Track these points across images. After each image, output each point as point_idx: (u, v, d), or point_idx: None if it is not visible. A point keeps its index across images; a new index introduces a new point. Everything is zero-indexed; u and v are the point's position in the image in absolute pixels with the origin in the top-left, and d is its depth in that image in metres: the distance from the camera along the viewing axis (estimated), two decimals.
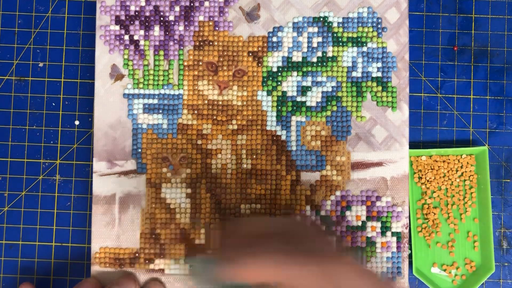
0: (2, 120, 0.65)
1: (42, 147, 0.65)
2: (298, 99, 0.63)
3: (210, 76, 0.63)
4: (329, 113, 0.62)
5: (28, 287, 0.60)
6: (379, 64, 0.63)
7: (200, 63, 0.63)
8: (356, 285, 0.43)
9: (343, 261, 0.45)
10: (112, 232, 0.61)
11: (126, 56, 0.63)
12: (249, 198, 0.62)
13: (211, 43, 0.63)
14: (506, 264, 0.64)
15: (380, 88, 0.63)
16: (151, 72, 0.63)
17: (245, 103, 0.62)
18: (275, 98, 0.63)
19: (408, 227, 0.61)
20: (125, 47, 0.63)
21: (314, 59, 0.63)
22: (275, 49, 0.63)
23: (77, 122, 0.65)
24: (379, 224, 0.61)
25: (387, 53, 0.63)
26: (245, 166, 0.62)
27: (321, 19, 0.63)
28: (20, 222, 0.64)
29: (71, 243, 0.64)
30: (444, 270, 0.63)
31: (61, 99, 0.65)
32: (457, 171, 0.64)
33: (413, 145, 0.65)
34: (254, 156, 0.62)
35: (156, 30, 0.63)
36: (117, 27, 0.63)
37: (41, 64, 0.66)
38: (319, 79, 0.63)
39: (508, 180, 0.65)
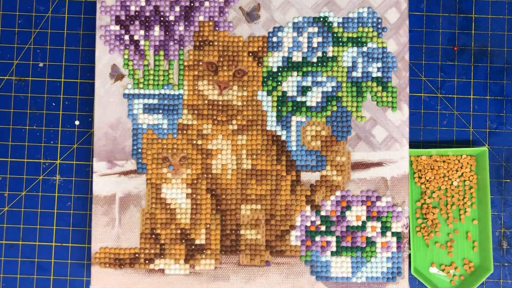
0: (2, 120, 0.65)
1: (42, 147, 0.65)
2: (298, 99, 0.63)
3: (210, 76, 0.63)
4: (329, 113, 0.63)
5: None
6: (379, 64, 0.63)
7: (200, 63, 0.63)
8: None
9: None
10: (112, 232, 0.61)
11: (126, 56, 0.63)
12: (249, 198, 0.62)
13: (211, 43, 0.63)
14: (506, 264, 0.64)
15: (380, 88, 0.63)
16: (151, 72, 0.63)
17: (245, 103, 0.62)
18: (275, 98, 0.63)
19: (408, 227, 0.61)
20: (125, 47, 0.63)
21: (314, 59, 0.63)
22: (275, 49, 0.63)
23: (77, 122, 0.65)
24: (379, 224, 0.61)
25: (387, 53, 0.63)
26: (245, 166, 0.62)
27: (321, 19, 0.63)
28: (20, 222, 0.64)
29: (71, 243, 0.64)
30: (443, 270, 0.63)
31: (61, 99, 0.65)
32: (457, 171, 0.64)
33: (413, 145, 0.65)
34: (254, 156, 0.62)
35: (156, 30, 0.63)
36: (117, 27, 0.63)
37: (41, 64, 0.66)
38: (319, 79, 0.63)
39: (508, 180, 0.65)
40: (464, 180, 0.64)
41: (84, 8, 0.66)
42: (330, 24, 0.63)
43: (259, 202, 0.62)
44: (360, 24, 0.63)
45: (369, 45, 0.63)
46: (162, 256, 0.61)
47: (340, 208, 0.62)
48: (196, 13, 0.63)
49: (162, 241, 0.61)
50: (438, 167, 0.64)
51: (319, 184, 0.62)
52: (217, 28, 0.63)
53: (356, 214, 0.62)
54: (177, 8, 0.63)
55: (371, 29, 0.63)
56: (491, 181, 0.64)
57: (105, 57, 0.63)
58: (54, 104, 0.65)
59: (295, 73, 0.63)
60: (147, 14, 0.63)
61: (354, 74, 0.63)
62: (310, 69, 0.63)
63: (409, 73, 0.63)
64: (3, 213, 0.65)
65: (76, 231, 0.64)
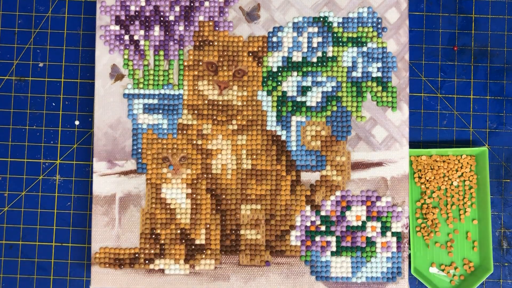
0: (2, 120, 0.65)
1: (42, 147, 0.65)
2: (298, 99, 0.63)
3: (210, 76, 0.63)
4: (329, 113, 0.63)
5: None
6: (379, 64, 0.63)
7: (200, 63, 0.63)
8: None
9: None
10: (112, 232, 0.61)
11: (126, 56, 0.63)
12: (249, 198, 0.62)
13: (211, 43, 0.63)
14: (506, 264, 0.64)
15: (380, 88, 0.63)
16: (151, 72, 0.63)
17: (245, 103, 0.62)
18: (275, 98, 0.63)
19: (408, 227, 0.61)
20: (125, 47, 0.63)
21: (314, 59, 0.63)
22: (275, 49, 0.63)
23: (77, 122, 0.65)
24: (379, 224, 0.61)
25: (387, 53, 0.63)
26: (245, 166, 0.62)
27: (321, 19, 0.63)
28: (20, 222, 0.64)
29: (71, 243, 0.64)
30: (443, 270, 0.63)
31: (61, 99, 0.65)
32: (457, 171, 0.64)
33: (413, 145, 0.65)
34: (254, 156, 0.62)
35: (156, 30, 0.63)
36: (117, 27, 0.63)
37: (41, 64, 0.66)
38: (319, 79, 0.63)
39: (508, 180, 0.65)
40: (464, 180, 0.64)
41: (84, 8, 0.66)
42: (330, 24, 0.63)
43: (259, 202, 0.62)
44: (360, 24, 0.63)
45: (369, 45, 0.63)
46: (162, 256, 0.61)
47: (340, 208, 0.62)
48: (196, 13, 0.63)
49: (162, 241, 0.61)
50: (438, 167, 0.64)
51: (319, 184, 0.62)
52: (217, 28, 0.63)
53: (356, 214, 0.62)
54: (177, 8, 0.63)
55: (371, 29, 0.63)
56: (491, 181, 0.64)
57: (105, 57, 0.63)
58: (54, 104, 0.65)
59: (295, 73, 0.63)
60: (147, 14, 0.63)
61: (354, 74, 0.63)
62: (310, 69, 0.63)
63: (409, 73, 0.63)
64: (3, 213, 0.65)
65: (76, 231, 0.64)
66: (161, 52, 0.63)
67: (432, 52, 0.66)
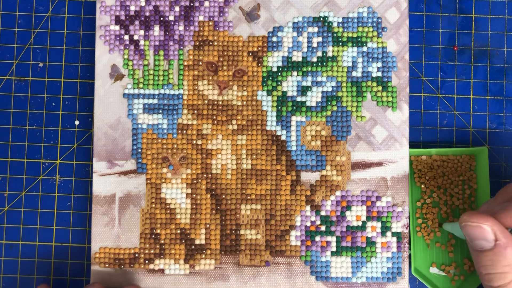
0: (2, 120, 0.65)
1: (42, 147, 0.65)
2: (298, 99, 0.63)
3: (210, 76, 0.63)
4: (329, 113, 0.63)
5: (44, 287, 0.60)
6: (379, 64, 0.63)
7: (200, 63, 0.63)
8: None
9: None
10: (112, 232, 0.61)
11: (126, 56, 0.63)
12: (249, 198, 0.62)
13: (211, 43, 0.63)
14: None
15: (380, 88, 0.63)
16: (151, 72, 0.63)
17: (245, 103, 0.62)
18: (275, 98, 0.63)
19: (408, 227, 0.61)
20: (125, 47, 0.63)
21: (314, 59, 0.63)
22: (275, 49, 0.63)
23: (77, 122, 0.65)
24: (379, 224, 0.61)
25: (387, 53, 0.63)
26: (245, 166, 0.62)
27: (321, 19, 0.63)
28: (20, 222, 0.64)
29: (71, 243, 0.64)
30: (443, 270, 0.63)
31: (61, 99, 0.65)
32: (457, 171, 0.64)
33: (413, 145, 0.65)
34: (254, 156, 0.62)
35: (156, 30, 0.63)
36: (117, 27, 0.63)
37: (41, 64, 0.66)
38: (319, 79, 0.63)
39: (508, 180, 0.65)
40: (464, 180, 0.64)
41: (84, 8, 0.66)
42: (330, 24, 0.63)
43: (259, 202, 0.62)
44: (360, 24, 0.63)
45: (369, 45, 0.63)
46: (162, 256, 0.61)
47: (340, 208, 0.62)
48: (196, 13, 0.63)
49: (162, 241, 0.61)
50: (438, 167, 0.64)
51: (319, 184, 0.62)
52: (217, 28, 0.63)
53: (356, 214, 0.62)
54: (177, 8, 0.63)
55: (371, 29, 0.63)
56: (491, 181, 0.64)
57: (105, 57, 0.63)
58: (54, 104, 0.65)
59: (295, 73, 0.63)
60: (147, 14, 0.63)
61: (354, 74, 0.63)
62: (310, 69, 0.63)
63: (409, 73, 0.63)
64: (3, 213, 0.65)
65: (76, 231, 0.64)
66: (161, 52, 0.63)
67: (432, 52, 0.66)
